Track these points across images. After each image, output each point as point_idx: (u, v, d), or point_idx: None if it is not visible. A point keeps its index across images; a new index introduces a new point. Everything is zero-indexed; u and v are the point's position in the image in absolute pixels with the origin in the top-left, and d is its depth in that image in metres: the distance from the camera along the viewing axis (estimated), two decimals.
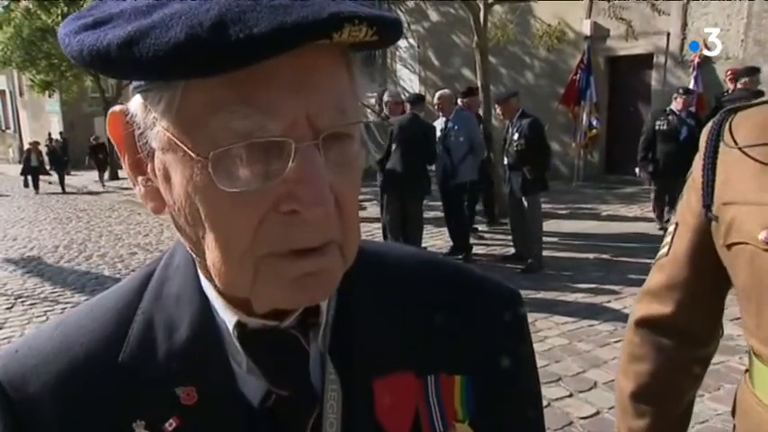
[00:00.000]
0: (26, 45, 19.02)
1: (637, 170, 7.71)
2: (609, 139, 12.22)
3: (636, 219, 8.86)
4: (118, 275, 7.39)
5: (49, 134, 23.00)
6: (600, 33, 11.72)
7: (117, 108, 0.54)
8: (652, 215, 8.00)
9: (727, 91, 8.07)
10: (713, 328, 1.16)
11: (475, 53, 9.27)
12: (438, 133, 6.79)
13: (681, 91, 7.36)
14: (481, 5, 9.10)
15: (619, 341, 4.49)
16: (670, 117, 7.23)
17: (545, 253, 6.70)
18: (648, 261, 1.29)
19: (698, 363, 1.18)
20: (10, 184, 20.77)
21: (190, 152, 0.48)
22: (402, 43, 13.71)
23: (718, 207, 1.01)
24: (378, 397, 0.59)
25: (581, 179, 11.96)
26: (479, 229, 8.23)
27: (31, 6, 18.18)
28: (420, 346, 0.62)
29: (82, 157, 20.60)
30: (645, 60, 11.46)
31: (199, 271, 0.59)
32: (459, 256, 6.78)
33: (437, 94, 7.21)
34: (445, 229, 7.46)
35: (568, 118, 11.80)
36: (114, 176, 18.95)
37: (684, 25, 10.80)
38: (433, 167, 6.87)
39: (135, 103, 0.52)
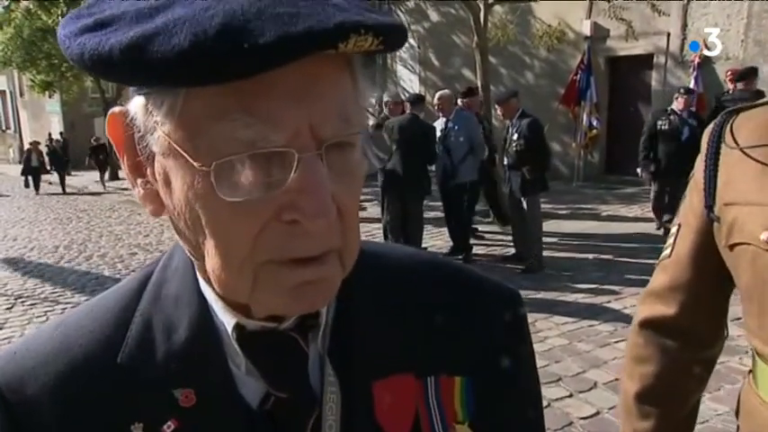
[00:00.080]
0: (26, 45, 19.00)
1: (638, 170, 7.69)
2: (609, 140, 12.22)
3: (636, 219, 8.86)
4: (118, 276, 7.38)
5: (50, 134, 22.97)
6: (600, 34, 11.72)
7: (117, 109, 0.54)
8: (652, 215, 7.99)
9: (728, 91, 8.07)
10: (717, 330, 1.15)
11: (475, 53, 9.27)
12: (438, 133, 6.79)
13: (682, 91, 7.35)
14: (481, 5, 9.10)
15: (619, 341, 4.48)
16: (672, 117, 7.21)
17: (545, 253, 6.70)
18: (649, 261, 1.29)
19: (702, 364, 1.18)
20: (10, 185, 20.77)
21: (191, 160, 0.47)
22: None
23: (720, 208, 1.01)
24: (377, 399, 0.59)
25: (581, 179, 11.96)
26: (479, 229, 8.24)
27: (31, 6, 18.17)
28: (420, 346, 0.62)
29: (82, 157, 20.58)
30: (645, 61, 11.46)
31: (197, 273, 0.59)
32: (459, 257, 6.78)
33: (437, 95, 7.20)
34: (445, 230, 7.46)
35: (568, 118, 11.80)
36: (115, 177, 18.95)
37: (684, 25, 10.80)
38: (434, 168, 6.87)
39: (135, 105, 0.51)
